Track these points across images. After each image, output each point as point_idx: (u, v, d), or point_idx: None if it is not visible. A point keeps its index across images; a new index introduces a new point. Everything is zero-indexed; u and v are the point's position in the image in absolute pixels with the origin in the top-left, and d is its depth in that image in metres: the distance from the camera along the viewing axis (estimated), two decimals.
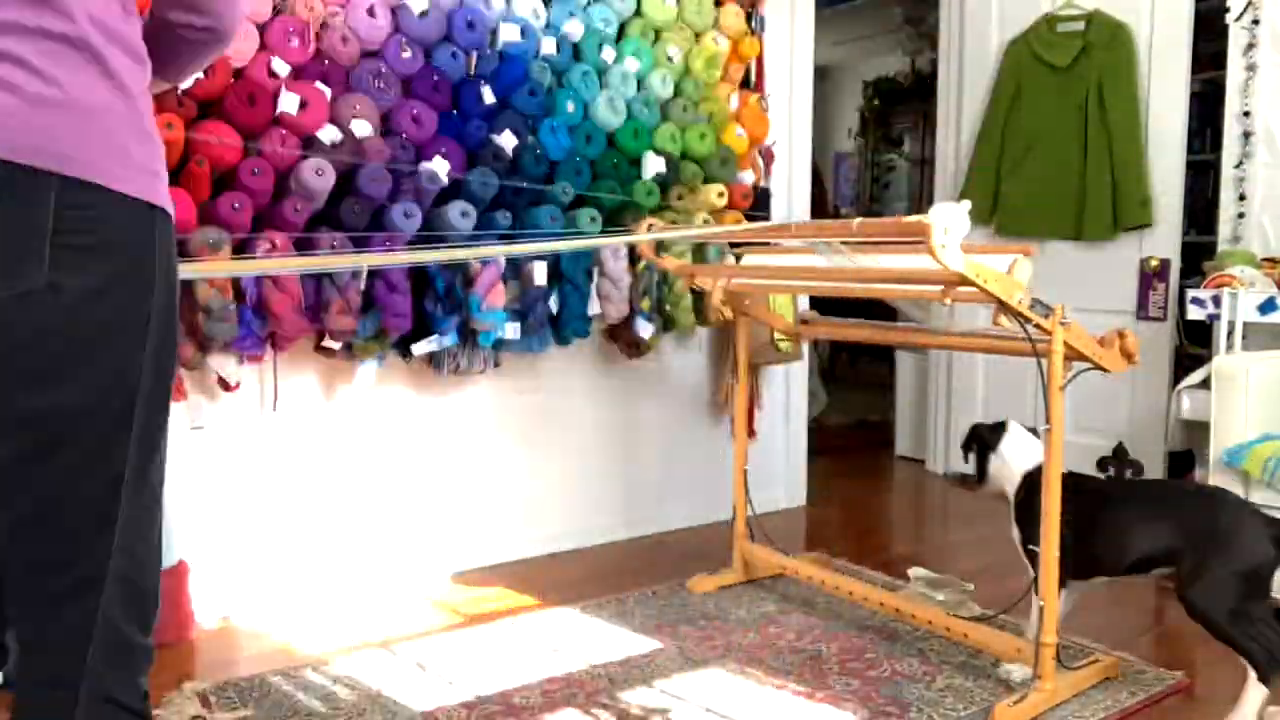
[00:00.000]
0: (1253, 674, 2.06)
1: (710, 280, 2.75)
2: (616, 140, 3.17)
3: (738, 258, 2.88)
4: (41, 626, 1.10)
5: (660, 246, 2.92)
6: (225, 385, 2.65)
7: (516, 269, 2.96)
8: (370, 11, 2.69)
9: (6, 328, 0.99)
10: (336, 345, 2.73)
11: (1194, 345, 3.77)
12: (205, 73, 2.43)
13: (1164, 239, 3.83)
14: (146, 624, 1.18)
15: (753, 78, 3.63)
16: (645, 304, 3.24)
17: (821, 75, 5.50)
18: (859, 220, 2.07)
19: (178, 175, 2.44)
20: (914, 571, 2.86)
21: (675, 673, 2.40)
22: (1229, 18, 3.55)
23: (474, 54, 2.88)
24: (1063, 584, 2.22)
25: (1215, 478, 2.76)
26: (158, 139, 1.14)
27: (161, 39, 1.25)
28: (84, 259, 1.02)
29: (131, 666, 1.16)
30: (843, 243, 2.27)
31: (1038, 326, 2.10)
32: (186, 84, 2.42)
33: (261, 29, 2.55)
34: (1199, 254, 3.82)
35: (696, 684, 2.34)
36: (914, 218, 1.93)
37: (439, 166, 2.75)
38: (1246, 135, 3.52)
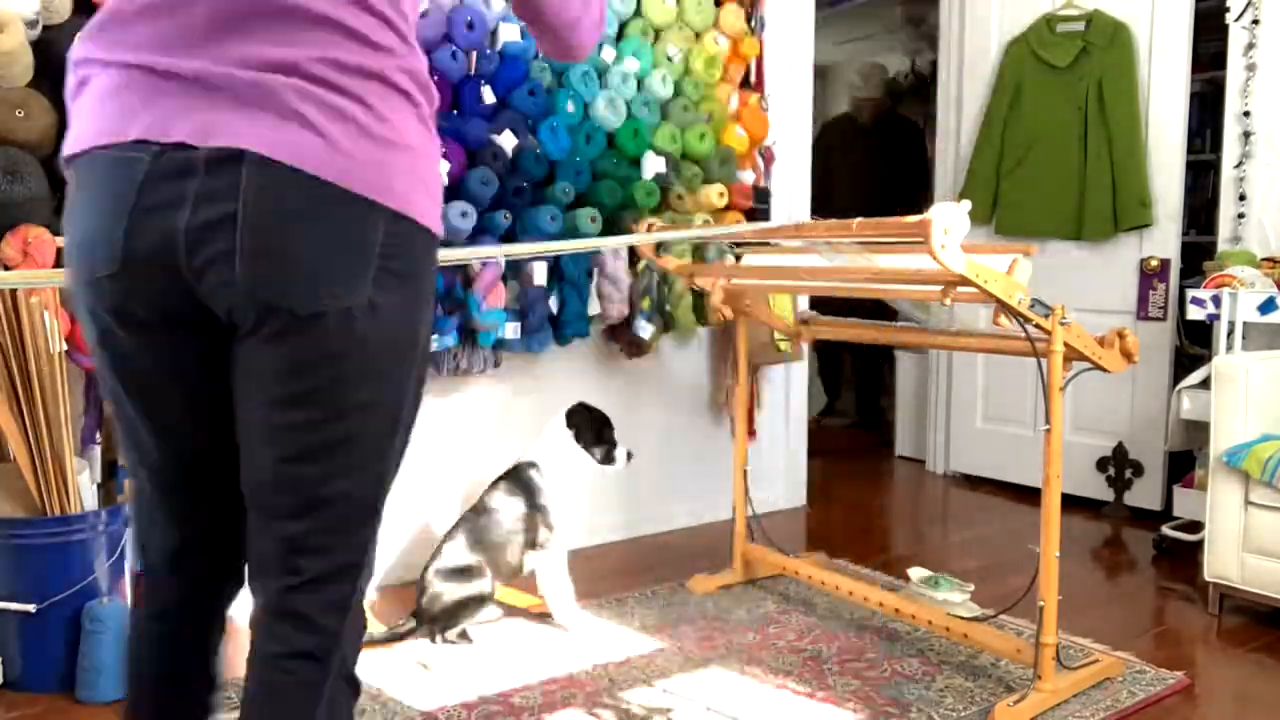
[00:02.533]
0: None
1: (710, 280, 2.75)
2: (616, 140, 3.17)
3: (738, 258, 2.88)
4: (304, 603, 1.18)
5: (660, 246, 2.92)
6: None
7: (516, 269, 2.96)
8: None
9: (331, 336, 1.12)
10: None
11: (1194, 345, 3.77)
12: None
13: (1164, 239, 3.82)
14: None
15: (753, 78, 3.63)
16: (645, 304, 3.24)
17: (821, 75, 5.50)
18: (859, 220, 2.07)
19: None
20: (914, 572, 2.86)
21: (676, 673, 2.40)
22: (1229, 18, 3.55)
23: (474, 54, 2.88)
24: None
25: (1215, 478, 2.76)
26: (440, 173, 1.27)
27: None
28: (396, 282, 1.15)
29: (360, 645, 1.27)
30: (842, 242, 2.27)
31: (1038, 326, 2.10)
32: None
33: None
34: (1199, 254, 3.82)
35: (697, 684, 2.34)
36: (914, 218, 1.93)
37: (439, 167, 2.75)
38: (1246, 135, 3.52)
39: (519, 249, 2.74)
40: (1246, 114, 3.52)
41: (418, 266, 1.18)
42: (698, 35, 3.39)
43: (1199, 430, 3.17)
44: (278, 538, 1.18)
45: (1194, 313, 3.27)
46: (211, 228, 1.07)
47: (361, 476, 1.20)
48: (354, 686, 1.25)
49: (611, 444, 2.71)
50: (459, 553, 2.60)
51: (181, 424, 1.22)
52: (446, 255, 2.56)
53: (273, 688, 1.20)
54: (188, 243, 1.07)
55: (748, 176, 3.54)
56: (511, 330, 2.97)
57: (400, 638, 2.56)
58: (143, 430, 1.22)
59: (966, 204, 1.93)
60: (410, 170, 1.15)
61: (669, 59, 3.30)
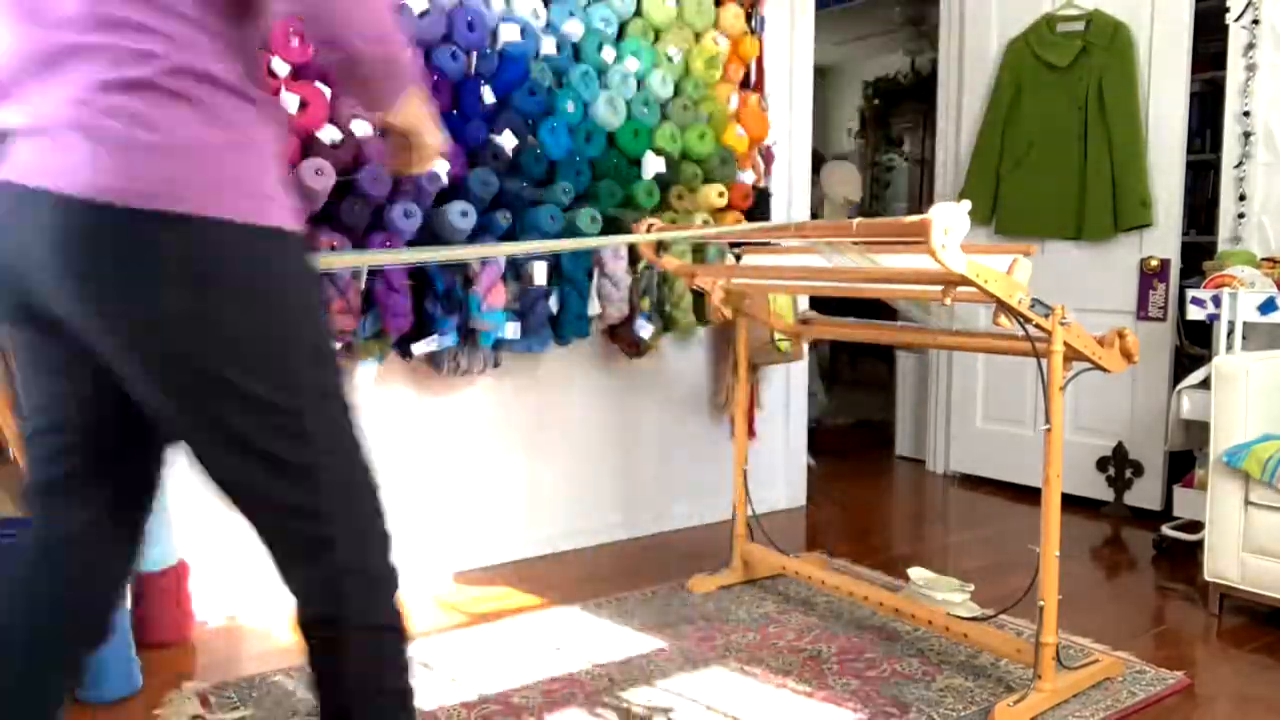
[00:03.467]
0: None
1: (710, 280, 2.75)
2: (616, 140, 3.17)
3: (738, 258, 2.88)
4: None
5: (660, 246, 2.92)
6: None
7: (516, 269, 2.96)
8: None
9: (135, 346, 1.17)
10: (337, 345, 2.72)
11: (1194, 345, 3.77)
12: None
13: (1164, 239, 3.82)
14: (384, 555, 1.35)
15: (753, 78, 3.63)
16: (645, 304, 3.24)
17: (821, 75, 5.50)
18: (859, 220, 2.07)
19: None
20: (914, 572, 2.86)
21: (676, 672, 2.40)
22: (1229, 18, 3.54)
23: (474, 54, 2.88)
24: None
25: (1215, 478, 2.76)
26: (270, 165, 1.23)
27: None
28: (193, 281, 1.15)
29: (373, 599, 1.34)
30: (843, 243, 2.27)
31: (1038, 326, 2.10)
32: None
33: None
34: (1199, 254, 3.82)
35: (697, 684, 2.34)
36: (914, 218, 1.93)
37: (439, 166, 2.75)
38: (1246, 135, 3.52)
39: (519, 248, 2.74)
40: (1246, 114, 3.52)
41: (226, 266, 1.17)
42: (698, 35, 3.39)
43: (1199, 430, 3.17)
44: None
45: (1194, 313, 3.27)
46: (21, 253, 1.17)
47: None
48: (379, 632, 1.34)
49: None
50: None
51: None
52: (447, 255, 2.56)
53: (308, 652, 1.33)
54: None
55: (748, 176, 3.54)
56: (511, 330, 2.97)
57: None
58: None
59: (966, 204, 1.92)
60: (189, 170, 1.15)
61: (669, 59, 3.30)
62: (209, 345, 1.17)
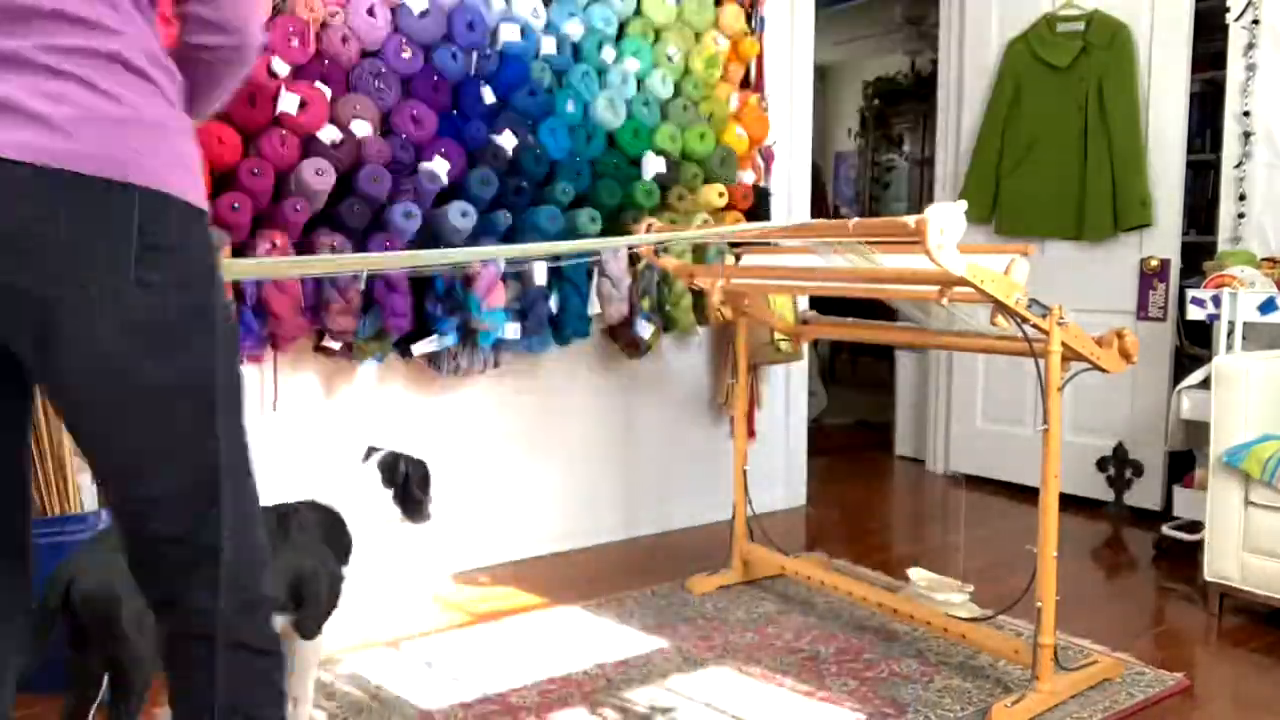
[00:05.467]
0: None
1: (710, 280, 2.75)
2: (616, 140, 3.18)
3: (737, 258, 2.89)
4: (167, 592, 1.28)
5: (660, 246, 2.92)
6: None
7: (516, 269, 2.96)
8: (370, 11, 2.69)
9: (102, 317, 1.14)
10: (336, 345, 2.73)
11: (1194, 345, 3.77)
12: None
13: (1164, 239, 3.82)
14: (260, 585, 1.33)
15: (753, 78, 3.63)
16: (645, 304, 3.24)
17: (821, 75, 5.51)
18: (855, 220, 2.07)
19: None
20: (914, 572, 2.86)
21: (675, 673, 2.40)
22: (1229, 18, 3.54)
23: (474, 54, 2.88)
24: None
25: (1215, 478, 2.76)
26: (196, 147, 1.27)
27: (191, 68, 1.30)
28: (162, 259, 1.16)
29: (249, 619, 1.31)
30: (844, 243, 2.27)
31: (1035, 327, 2.10)
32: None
33: None
34: (1199, 254, 3.82)
35: (696, 684, 2.34)
36: (911, 218, 1.93)
37: (439, 166, 2.75)
38: (1246, 135, 3.52)
39: (519, 249, 2.73)
40: (1246, 114, 3.52)
41: (185, 240, 1.20)
42: (698, 35, 3.39)
43: (1199, 430, 3.17)
44: (137, 534, 1.31)
45: (1194, 313, 3.26)
46: None
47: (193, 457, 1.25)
48: (255, 651, 1.30)
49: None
50: None
51: None
52: (447, 256, 2.56)
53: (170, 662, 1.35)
54: None
55: (748, 176, 3.54)
56: (511, 330, 2.97)
57: None
58: None
59: (963, 204, 1.92)
60: (156, 147, 1.17)
61: (669, 59, 3.30)
62: None
